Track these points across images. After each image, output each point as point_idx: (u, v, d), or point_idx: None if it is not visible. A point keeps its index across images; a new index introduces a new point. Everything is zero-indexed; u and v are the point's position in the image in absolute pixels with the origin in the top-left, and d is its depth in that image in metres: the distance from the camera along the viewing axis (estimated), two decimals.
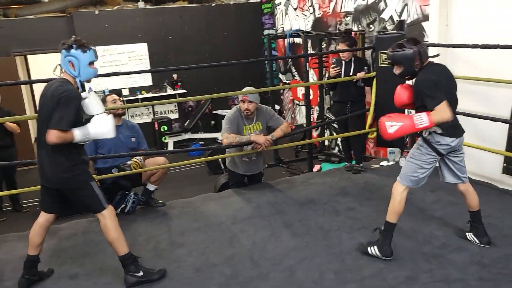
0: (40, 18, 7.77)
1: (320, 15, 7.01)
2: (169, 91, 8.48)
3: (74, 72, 2.56)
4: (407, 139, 5.08)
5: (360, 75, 4.50)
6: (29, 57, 9.58)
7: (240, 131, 4.05)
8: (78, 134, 2.50)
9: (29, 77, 9.77)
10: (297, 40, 7.70)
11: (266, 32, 8.96)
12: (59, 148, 2.53)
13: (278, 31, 8.54)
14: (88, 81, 2.63)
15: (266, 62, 9.02)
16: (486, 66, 4.10)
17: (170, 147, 8.14)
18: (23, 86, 8.43)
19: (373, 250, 2.87)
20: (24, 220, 5.39)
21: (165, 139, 8.23)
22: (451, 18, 4.46)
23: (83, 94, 2.59)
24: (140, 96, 8.29)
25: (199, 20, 8.63)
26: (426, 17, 4.76)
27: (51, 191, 2.72)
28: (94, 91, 2.71)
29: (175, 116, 8.82)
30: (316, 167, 6.05)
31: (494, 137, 4.09)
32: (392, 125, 2.70)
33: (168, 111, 8.78)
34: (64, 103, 2.45)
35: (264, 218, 3.66)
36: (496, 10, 3.99)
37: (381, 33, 4.99)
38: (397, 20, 5.21)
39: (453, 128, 2.75)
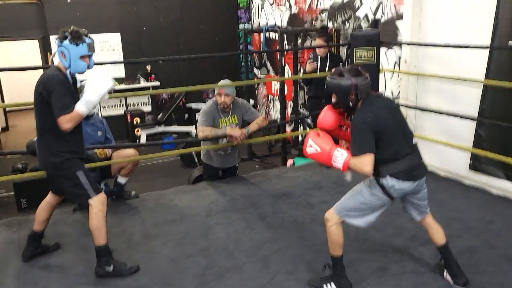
0: (9, 4, 7.49)
1: (296, 11, 7.05)
2: (143, 83, 8.36)
3: (65, 63, 2.59)
4: None
5: None
6: None
7: (216, 124, 4.05)
8: (80, 106, 2.53)
9: None
10: (273, 35, 7.73)
11: (241, 26, 8.95)
12: (49, 133, 2.62)
13: (254, 26, 8.55)
14: (80, 73, 2.65)
15: (241, 56, 9.00)
16: (456, 65, 4.24)
17: (143, 139, 8.03)
18: None
19: (330, 286, 2.56)
20: None
21: (137, 131, 8.11)
22: (424, 18, 4.59)
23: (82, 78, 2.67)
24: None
25: (174, 11, 8.52)
26: (400, 16, 4.87)
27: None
28: None
29: (148, 108, 8.69)
30: (289, 162, 6.10)
31: (462, 134, 4.24)
32: (311, 146, 2.41)
33: (141, 103, 8.65)
34: (54, 90, 2.52)
35: (238, 210, 3.68)
36: (467, 11, 4.13)
37: (357, 30, 5.07)
38: (372, 19, 5.30)
39: (411, 171, 2.38)
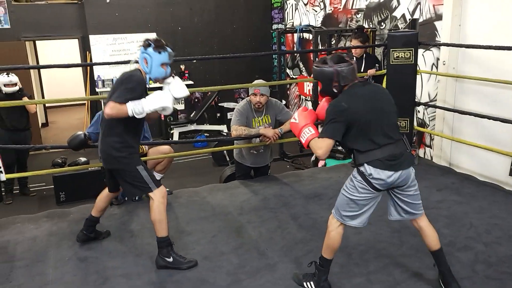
0: (51, 4, 7.77)
1: (330, 11, 7.00)
2: None
3: (146, 68, 2.74)
4: (415, 138, 5.09)
5: (371, 72, 4.51)
6: (37, 42, 9.61)
7: (249, 123, 4.08)
8: (129, 106, 2.62)
9: (37, 62, 9.81)
10: (307, 35, 7.70)
11: (275, 26, 8.96)
12: (113, 128, 2.75)
13: (287, 26, 8.54)
14: (157, 80, 2.78)
15: (274, 56, 9.01)
16: (497, 67, 4.11)
17: (176, 137, 8.16)
18: (31, 71, 8.46)
19: (309, 285, 2.57)
20: (31, 204, 5.44)
21: (170, 129, 8.25)
22: (465, 18, 4.47)
23: (166, 80, 2.78)
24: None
25: (208, 12, 8.62)
26: (439, 17, 4.76)
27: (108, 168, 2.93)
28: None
29: (181, 107, 8.83)
30: (320, 163, 6.06)
31: (502, 139, 4.11)
32: (294, 118, 2.54)
33: (175, 101, 8.77)
34: (124, 82, 2.69)
35: (270, 210, 3.69)
36: (509, 11, 3.99)
37: (394, 31, 4.99)
38: (409, 19, 5.20)
39: (389, 160, 2.32)
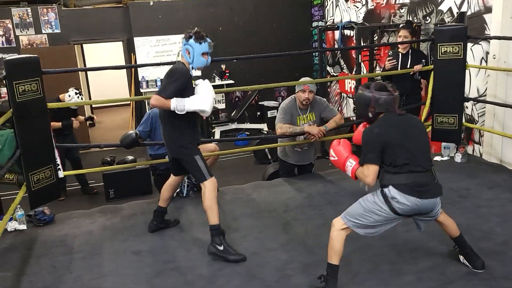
0: (98, 8, 8.07)
1: (373, 7, 6.89)
2: (217, 81, 8.61)
3: (189, 59, 2.94)
4: (463, 134, 4.95)
5: (418, 67, 4.42)
6: (84, 45, 10.00)
7: (294, 121, 4.09)
8: (173, 102, 2.84)
9: (85, 64, 10.21)
10: (347, 32, 7.61)
11: (315, 24, 8.91)
12: (173, 123, 2.96)
13: (328, 23, 8.47)
14: (199, 68, 2.97)
15: (314, 54, 8.97)
16: None
17: (217, 136, 8.28)
18: (79, 73, 8.81)
19: None
20: (82, 200, 5.66)
21: (212, 128, 8.38)
22: None
23: (197, 82, 2.98)
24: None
25: (248, 11, 8.69)
26: (488, 9, 4.60)
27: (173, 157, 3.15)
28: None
29: (222, 106, 8.95)
30: None
31: None
32: (332, 156, 2.60)
33: (215, 101, 8.90)
34: (169, 75, 2.92)
35: (315, 207, 3.70)
36: None
37: (440, 25, 4.86)
38: (456, 12, 5.06)
39: (414, 186, 2.35)
